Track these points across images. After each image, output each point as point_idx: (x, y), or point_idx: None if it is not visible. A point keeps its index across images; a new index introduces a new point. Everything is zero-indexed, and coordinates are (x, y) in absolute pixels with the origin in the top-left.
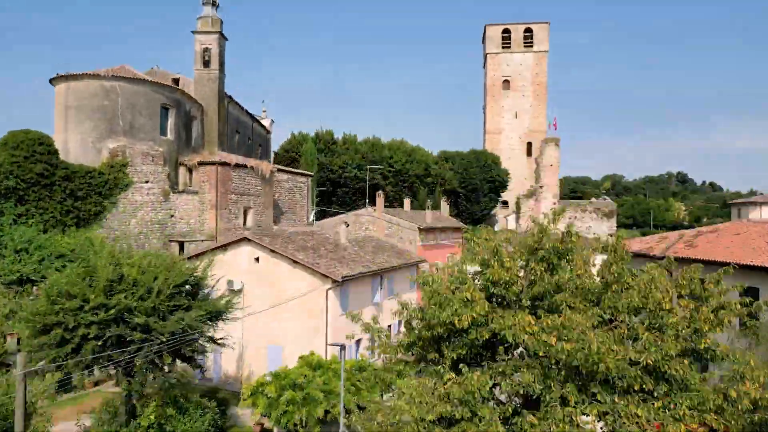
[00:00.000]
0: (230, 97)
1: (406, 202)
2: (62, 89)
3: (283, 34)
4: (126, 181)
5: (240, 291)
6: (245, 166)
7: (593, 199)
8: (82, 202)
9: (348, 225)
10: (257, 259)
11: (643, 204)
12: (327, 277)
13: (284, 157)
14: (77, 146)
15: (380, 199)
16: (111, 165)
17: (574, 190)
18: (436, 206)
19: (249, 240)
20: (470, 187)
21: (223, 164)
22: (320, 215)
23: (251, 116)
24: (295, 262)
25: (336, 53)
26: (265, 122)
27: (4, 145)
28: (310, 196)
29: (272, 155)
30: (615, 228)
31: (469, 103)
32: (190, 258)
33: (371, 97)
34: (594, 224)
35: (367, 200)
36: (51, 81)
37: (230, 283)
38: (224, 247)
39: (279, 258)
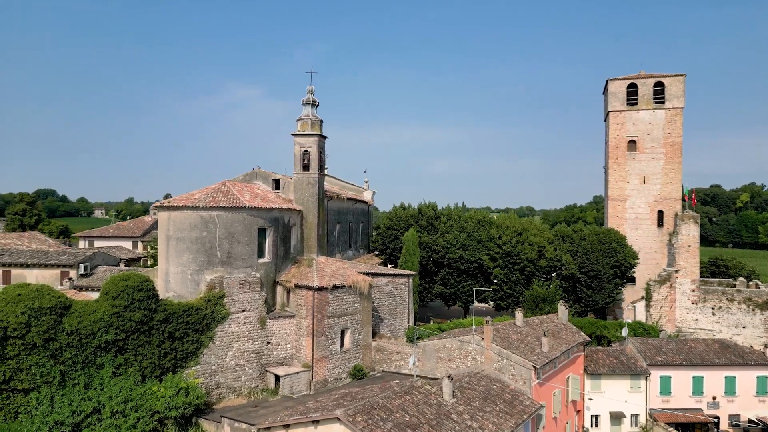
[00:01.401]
0: (330, 177)
1: (518, 315)
2: (164, 218)
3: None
4: (223, 313)
5: None
6: (343, 286)
7: (741, 280)
8: (180, 342)
9: (452, 378)
10: None
11: None
12: None
13: (386, 234)
14: (177, 278)
15: (488, 329)
16: (208, 299)
17: (714, 261)
18: (552, 299)
19: (341, 420)
20: (591, 273)
21: (320, 289)
22: (422, 301)
23: (352, 200)
24: None
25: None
26: (367, 194)
27: (105, 295)
28: (411, 296)
29: (373, 231)
30: None
31: (589, 158)
32: (278, 428)
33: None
34: (743, 317)
35: (474, 283)
36: (155, 207)
37: None
38: (315, 423)
39: None
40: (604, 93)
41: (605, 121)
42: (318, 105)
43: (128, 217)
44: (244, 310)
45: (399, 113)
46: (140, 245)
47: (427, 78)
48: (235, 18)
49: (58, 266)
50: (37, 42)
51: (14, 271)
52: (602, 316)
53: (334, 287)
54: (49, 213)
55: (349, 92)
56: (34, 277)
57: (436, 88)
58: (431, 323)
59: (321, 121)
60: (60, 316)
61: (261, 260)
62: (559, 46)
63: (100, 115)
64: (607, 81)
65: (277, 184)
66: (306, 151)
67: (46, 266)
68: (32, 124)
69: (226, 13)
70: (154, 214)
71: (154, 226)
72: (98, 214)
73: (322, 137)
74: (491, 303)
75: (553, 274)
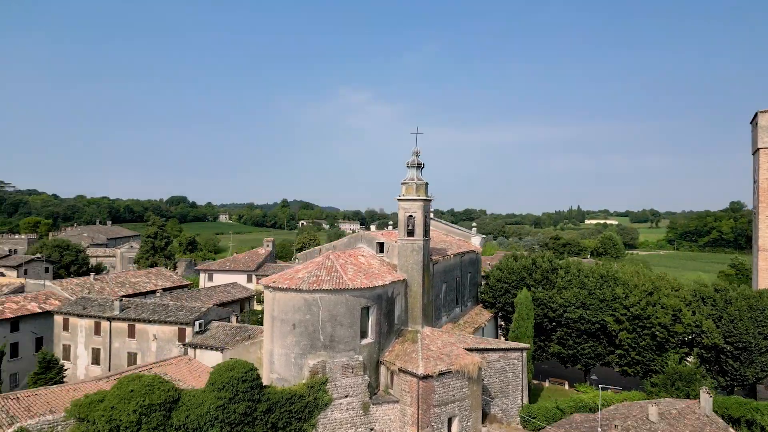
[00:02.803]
0: (435, 222)
1: (652, 410)
2: (269, 298)
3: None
4: (326, 399)
5: None
6: (449, 372)
7: None
8: (283, 431)
9: None
10: None
11: None
12: None
13: (496, 287)
14: (281, 360)
15: None
16: (311, 385)
17: None
18: (692, 378)
19: None
20: (740, 345)
21: (426, 377)
22: (536, 359)
23: (459, 254)
24: None
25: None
26: (475, 240)
27: (211, 385)
28: (525, 371)
29: (482, 277)
30: None
31: (726, 158)
32: None
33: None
34: None
35: (596, 344)
36: (263, 285)
37: None
38: None
39: None
40: (752, 123)
41: (753, 155)
42: (423, 167)
43: (248, 220)
44: (346, 396)
45: (514, 111)
46: (254, 279)
47: (542, 74)
48: (342, 24)
49: (176, 323)
50: (161, 57)
51: (138, 326)
52: (752, 393)
53: (441, 373)
54: (180, 218)
55: (459, 91)
56: (154, 330)
57: (551, 84)
58: (547, 384)
59: (426, 183)
60: (169, 411)
61: (364, 341)
62: (684, 33)
63: (225, 125)
64: (756, 113)
65: (381, 247)
66: (410, 216)
67: (165, 323)
68: (169, 140)
69: (335, 19)
70: (268, 246)
71: (267, 259)
72: (222, 218)
73: (428, 200)
74: (616, 368)
75: (691, 337)
